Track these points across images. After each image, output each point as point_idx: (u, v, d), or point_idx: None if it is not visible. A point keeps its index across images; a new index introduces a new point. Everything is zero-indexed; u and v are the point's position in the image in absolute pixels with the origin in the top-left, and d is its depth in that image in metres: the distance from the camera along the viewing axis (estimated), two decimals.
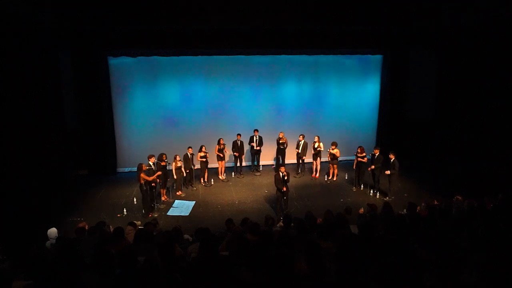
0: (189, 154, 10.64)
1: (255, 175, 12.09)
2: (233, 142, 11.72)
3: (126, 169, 12.23)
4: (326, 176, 11.66)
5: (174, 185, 10.51)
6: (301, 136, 11.65)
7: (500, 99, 10.11)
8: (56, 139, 10.20)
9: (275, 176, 9.15)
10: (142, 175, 8.81)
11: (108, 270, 3.41)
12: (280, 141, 11.80)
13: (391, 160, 9.84)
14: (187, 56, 11.91)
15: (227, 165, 12.13)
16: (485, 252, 3.74)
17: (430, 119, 12.93)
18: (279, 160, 12.01)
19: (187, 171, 10.63)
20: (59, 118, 10.56)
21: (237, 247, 3.82)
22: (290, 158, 12.40)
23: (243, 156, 12.10)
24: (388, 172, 9.82)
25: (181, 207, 9.64)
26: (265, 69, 12.51)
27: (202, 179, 11.27)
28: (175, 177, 10.28)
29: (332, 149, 11.10)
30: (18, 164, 8.28)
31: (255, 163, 12.34)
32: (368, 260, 3.38)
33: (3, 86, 8.04)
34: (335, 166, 11.41)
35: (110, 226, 6.50)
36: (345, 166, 12.13)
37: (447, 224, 5.39)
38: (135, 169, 9.40)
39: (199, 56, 11.95)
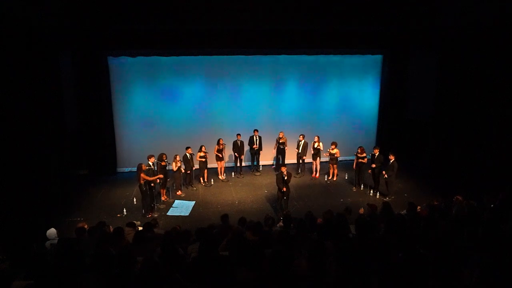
0: (188, 154, 10.64)
1: (255, 175, 12.08)
2: (233, 142, 11.72)
3: (126, 169, 12.23)
4: (326, 176, 11.66)
5: (174, 185, 10.52)
6: (301, 136, 11.65)
7: (500, 99, 10.10)
8: (56, 139, 10.20)
9: (276, 175, 9.17)
10: (142, 174, 8.81)
11: (108, 270, 3.41)
12: (280, 141, 11.80)
13: (391, 161, 9.85)
14: (187, 56, 11.90)
15: (227, 165, 12.13)
16: (485, 252, 3.74)
17: (430, 119, 12.92)
18: (279, 160, 12.01)
19: (188, 171, 10.63)
20: (59, 118, 10.57)
21: (237, 247, 3.82)
22: (290, 158, 12.40)
23: (243, 156, 12.10)
24: (385, 175, 9.84)
25: (181, 207, 9.64)
26: (265, 69, 12.50)
27: (201, 179, 11.27)
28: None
29: (332, 149, 11.10)
30: (18, 164, 8.28)
31: (255, 163, 12.34)
32: (368, 260, 3.37)
33: (3, 86, 8.04)
34: (335, 166, 11.41)
35: (110, 226, 6.50)
36: (345, 166, 12.13)
37: (447, 224, 5.39)
38: (135, 169, 9.40)
39: (199, 56, 11.94)
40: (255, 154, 12.17)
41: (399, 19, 10.82)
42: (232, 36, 11.14)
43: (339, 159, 11.41)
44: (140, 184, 8.92)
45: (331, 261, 3.46)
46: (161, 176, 9.29)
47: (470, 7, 9.52)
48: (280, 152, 11.94)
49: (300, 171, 12.03)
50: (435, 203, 7.53)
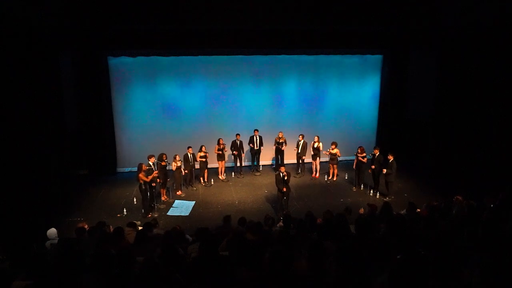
0: (189, 154, 10.64)
1: (255, 175, 12.08)
2: (232, 142, 11.71)
3: (126, 169, 12.23)
4: (326, 176, 11.65)
5: (174, 185, 10.52)
6: (300, 136, 11.65)
7: (500, 99, 10.10)
8: (56, 139, 10.20)
9: (275, 175, 9.16)
10: (141, 175, 8.81)
11: (108, 270, 3.41)
12: (280, 141, 11.80)
13: (390, 161, 9.86)
14: (187, 56, 11.90)
15: (227, 165, 12.13)
16: (485, 252, 3.74)
17: (430, 119, 12.93)
18: (279, 160, 12.01)
19: (186, 171, 10.62)
20: (59, 118, 10.57)
21: (237, 247, 3.82)
22: (290, 158, 12.39)
23: (243, 156, 12.09)
24: (384, 170, 9.84)
25: (181, 207, 9.64)
26: (265, 69, 12.51)
27: (202, 179, 11.27)
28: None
29: (332, 149, 11.10)
30: (18, 164, 8.28)
31: (255, 163, 12.34)
32: (368, 260, 3.37)
33: (3, 86, 8.04)
34: (335, 166, 11.41)
35: (110, 226, 6.50)
36: (345, 166, 12.13)
37: (447, 224, 5.39)
38: (135, 169, 9.41)
39: (199, 56, 11.94)
40: (255, 154, 12.17)
41: (399, 19, 10.81)
42: (232, 36, 11.14)
43: (339, 159, 11.41)
44: (140, 184, 8.92)
45: (331, 261, 3.46)
46: (156, 173, 9.19)
47: (470, 7, 9.52)
48: (279, 152, 11.93)
49: (300, 171, 12.02)
50: (435, 203, 7.53)
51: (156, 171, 9.24)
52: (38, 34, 9.16)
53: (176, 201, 10.02)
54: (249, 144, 11.96)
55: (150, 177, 8.97)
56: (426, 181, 11.32)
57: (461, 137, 11.21)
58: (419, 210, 7.18)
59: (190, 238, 6.13)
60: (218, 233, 5.96)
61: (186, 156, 10.61)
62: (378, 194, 10.24)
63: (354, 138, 12.89)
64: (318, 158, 11.59)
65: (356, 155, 10.78)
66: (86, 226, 6.13)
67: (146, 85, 11.99)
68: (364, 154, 10.62)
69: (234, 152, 11.75)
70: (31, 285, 3.44)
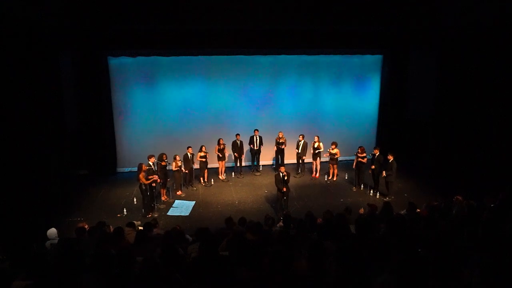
0: (189, 154, 10.65)
1: (255, 175, 12.08)
2: (233, 142, 11.71)
3: (126, 169, 12.23)
4: (326, 176, 11.65)
5: (174, 185, 10.52)
6: (300, 136, 11.65)
7: (500, 99, 10.10)
8: (56, 139, 10.20)
9: (275, 176, 9.16)
10: (141, 176, 8.80)
11: (108, 270, 3.41)
12: (280, 141, 11.80)
13: (390, 161, 9.86)
14: (187, 56, 11.90)
15: (227, 165, 12.13)
16: (485, 252, 3.74)
17: (430, 119, 12.92)
18: (279, 160, 12.01)
19: (187, 171, 10.62)
20: (59, 118, 10.57)
21: (237, 247, 3.82)
22: (290, 158, 12.39)
23: (243, 156, 12.09)
24: (384, 174, 9.85)
25: (181, 207, 9.64)
26: (265, 69, 12.50)
27: (202, 179, 11.27)
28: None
29: (332, 149, 11.10)
30: (18, 164, 8.28)
31: (255, 163, 12.34)
32: (368, 260, 3.37)
33: (3, 86, 8.04)
34: (335, 166, 11.41)
35: (110, 226, 6.50)
36: (345, 166, 12.13)
37: (447, 224, 5.39)
38: (135, 169, 9.41)
39: (199, 56, 11.94)
40: (255, 154, 12.17)
41: (399, 19, 10.82)
42: (232, 36, 11.14)
43: (339, 159, 11.41)
44: (140, 184, 8.92)
45: (331, 261, 3.46)
46: (156, 177, 9.19)
47: (470, 7, 9.52)
48: (280, 152, 11.93)
49: (300, 171, 12.02)
50: (435, 203, 7.53)
51: (157, 176, 9.23)
52: (38, 34, 9.15)
53: (176, 201, 10.02)
54: (249, 144, 11.97)
55: (150, 177, 8.97)
56: (426, 181, 11.32)
57: (461, 137, 11.20)
58: (419, 210, 7.18)
59: (190, 238, 6.13)
60: (218, 233, 5.96)
61: (186, 156, 10.61)
62: (378, 194, 10.24)
63: (354, 138, 12.89)
64: (318, 158, 11.59)
65: (356, 155, 10.78)
66: (86, 226, 6.13)
67: (146, 85, 11.99)
68: (364, 154, 10.62)
69: (235, 154, 11.76)
70: (31, 285, 3.44)
